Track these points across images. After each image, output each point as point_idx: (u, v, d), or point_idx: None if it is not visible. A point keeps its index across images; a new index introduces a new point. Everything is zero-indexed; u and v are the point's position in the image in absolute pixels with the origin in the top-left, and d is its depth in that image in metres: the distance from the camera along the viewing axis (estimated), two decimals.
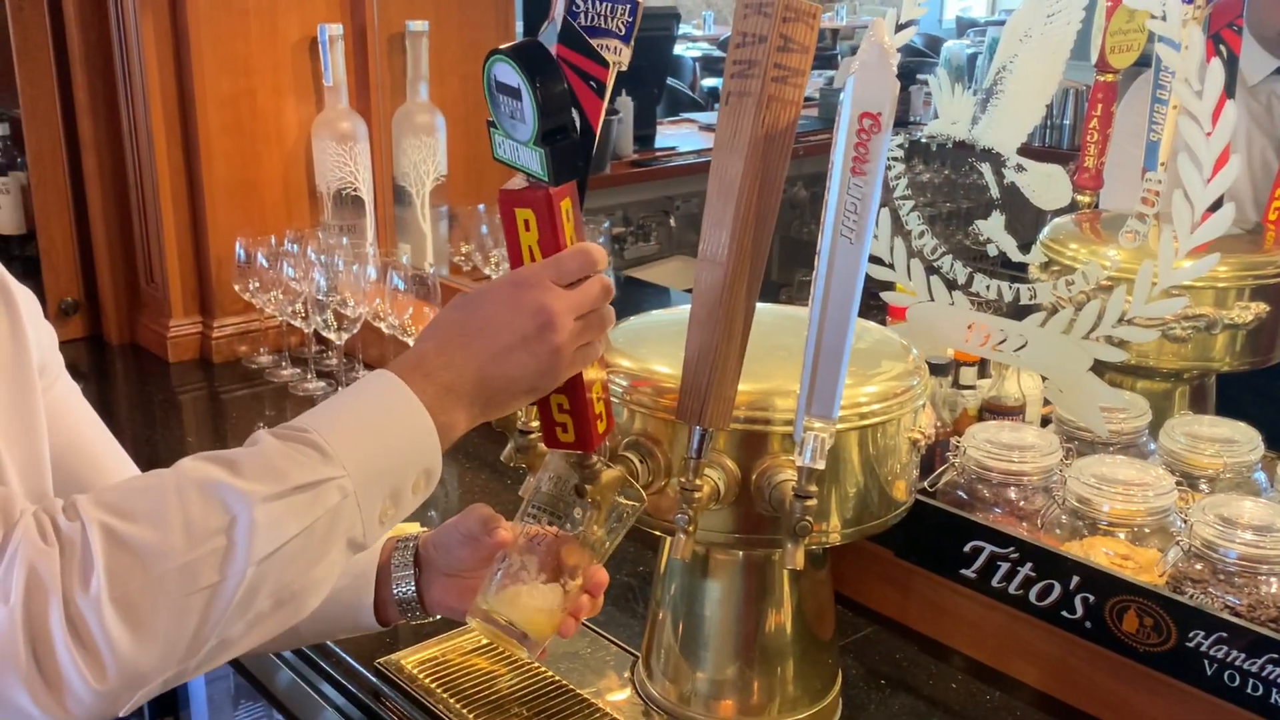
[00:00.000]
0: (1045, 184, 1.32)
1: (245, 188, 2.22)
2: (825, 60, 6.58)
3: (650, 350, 1.15)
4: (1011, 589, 1.25)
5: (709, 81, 6.08)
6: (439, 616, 1.17)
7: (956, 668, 1.33)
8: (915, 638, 1.38)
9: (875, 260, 1.39)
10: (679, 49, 5.98)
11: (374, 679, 1.30)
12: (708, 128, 4.27)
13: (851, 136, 0.90)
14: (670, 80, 4.86)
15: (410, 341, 2.01)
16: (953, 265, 1.38)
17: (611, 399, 1.05)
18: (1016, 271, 1.37)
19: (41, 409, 1.00)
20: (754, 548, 1.12)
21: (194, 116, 2.15)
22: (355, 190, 2.24)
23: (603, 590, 1.05)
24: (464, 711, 1.22)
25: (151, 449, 1.93)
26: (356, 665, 1.32)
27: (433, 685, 1.26)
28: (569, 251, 0.93)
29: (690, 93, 5.54)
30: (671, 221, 3.85)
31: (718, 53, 6.90)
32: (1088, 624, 1.20)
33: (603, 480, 1.02)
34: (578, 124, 0.92)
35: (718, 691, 1.20)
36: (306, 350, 2.20)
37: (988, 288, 1.35)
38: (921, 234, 1.41)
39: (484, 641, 1.34)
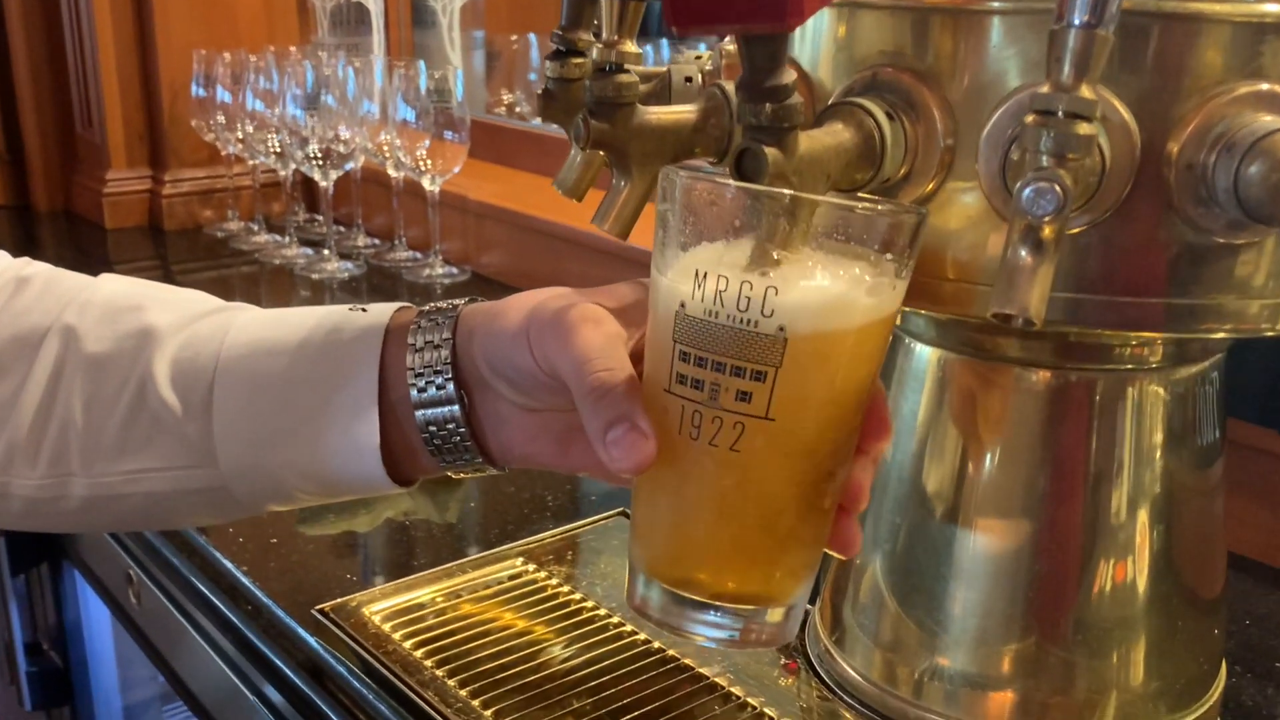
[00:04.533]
0: None
1: None
2: None
3: None
4: None
5: None
6: (509, 468, 0.53)
7: None
8: None
9: None
10: None
11: (311, 639, 0.69)
12: None
13: None
14: None
15: (427, 184, 1.42)
16: None
17: None
18: None
19: None
20: (1148, 331, 0.50)
21: None
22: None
23: (887, 432, 0.43)
24: (478, 708, 0.62)
25: None
26: (284, 616, 0.72)
27: (419, 655, 0.66)
28: None
29: None
30: None
31: None
32: None
33: (799, 151, 0.41)
34: None
35: (988, 678, 0.58)
36: (288, 219, 1.61)
37: None
38: None
39: (520, 574, 0.74)
